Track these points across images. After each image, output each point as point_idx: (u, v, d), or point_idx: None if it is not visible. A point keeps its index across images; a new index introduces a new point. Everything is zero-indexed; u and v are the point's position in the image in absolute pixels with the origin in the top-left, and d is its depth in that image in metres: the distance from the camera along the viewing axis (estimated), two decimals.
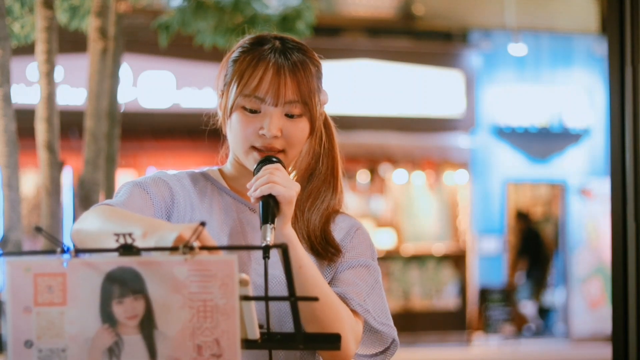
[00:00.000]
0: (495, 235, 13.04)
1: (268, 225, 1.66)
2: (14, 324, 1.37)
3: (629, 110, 2.85)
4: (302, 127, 1.81)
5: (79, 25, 4.30)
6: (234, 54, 1.84)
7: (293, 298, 1.46)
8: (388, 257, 12.09)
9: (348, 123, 11.26)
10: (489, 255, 12.98)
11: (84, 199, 3.82)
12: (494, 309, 12.66)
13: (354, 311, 1.80)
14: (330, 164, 1.93)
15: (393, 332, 1.86)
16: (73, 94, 10.56)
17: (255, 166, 1.78)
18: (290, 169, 1.92)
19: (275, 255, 1.76)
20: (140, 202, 1.77)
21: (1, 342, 1.41)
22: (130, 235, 1.40)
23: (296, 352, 1.81)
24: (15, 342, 1.37)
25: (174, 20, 4.94)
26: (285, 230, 1.71)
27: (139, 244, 1.46)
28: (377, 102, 12.38)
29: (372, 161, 12.54)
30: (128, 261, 1.36)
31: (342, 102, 11.87)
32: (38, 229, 1.44)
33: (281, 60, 1.78)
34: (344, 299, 1.79)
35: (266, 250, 1.59)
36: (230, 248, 1.69)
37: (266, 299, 1.60)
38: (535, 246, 13.45)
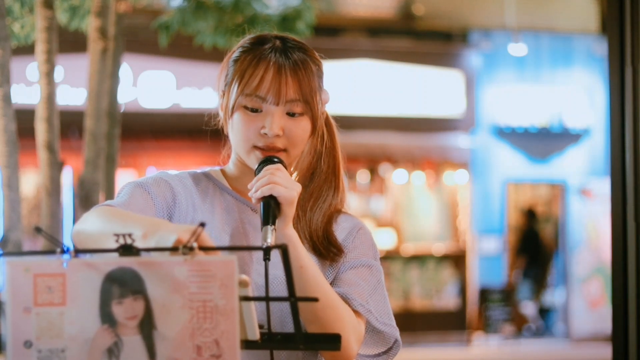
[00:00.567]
0: (495, 235, 13.04)
1: (268, 226, 1.66)
2: (14, 324, 1.37)
3: (629, 110, 2.85)
4: (303, 126, 1.81)
5: (79, 25, 4.31)
6: (235, 53, 1.84)
7: (293, 298, 1.46)
8: (388, 257, 12.09)
9: (348, 123, 11.21)
10: (489, 255, 12.98)
11: (84, 199, 3.82)
12: (494, 309, 12.66)
13: (356, 311, 1.79)
14: (332, 163, 1.93)
15: (395, 332, 1.86)
16: (73, 94, 10.56)
17: (257, 166, 1.78)
18: (292, 168, 1.92)
19: (276, 255, 1.76)
20: (142, 203, 1.77)
21: (1, 342, 1.41)
22: (130, 235, 1.40)
23: (298, 353, 1.81)
24: (14, 343, 1.36)
25: (174, 20, 4.94)
26: (287, 230, 1.70)
27: (139, 244, 1.46)
28: (377, 102, 12.38)
29: (372, 161, 12.54)
30: (128, 261, 1.36)
31: (342, 102, 11.87)
32: (38, 229, 1.44)
33: (282, 59, 1.79)
34: (346, 299, 1.79)
35: (266, 251, 1.59)
36: (230, 249, 1.69)
37: (267, 299, 1.60)
38: (534, 246, 13.45)
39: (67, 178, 10.35)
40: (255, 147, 1.79)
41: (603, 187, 12.40)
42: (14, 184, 3.09)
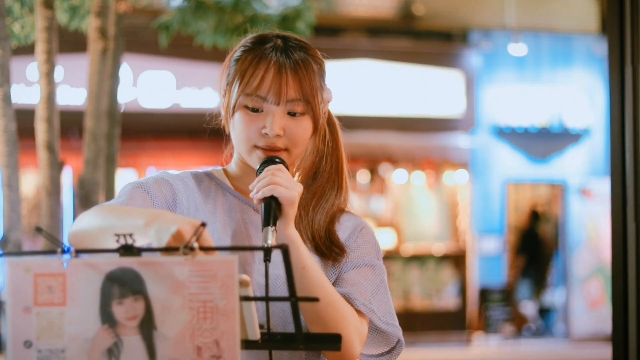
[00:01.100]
0: (495, 235, 13.04)
1: (269, 227, 1.65)
2: (14, 324, 1.37)
3: (629, 110, 2.85)
4: (305, 125, 1.81)
5: (79, 25, 4.31)
6: (236, 53, 1.84)
7: (293, 298, 1.46)
8: (388, 257, 12.08)
9: (348, 123, 11.21)
10: (489, 255, 12.98)
11: (84, 199, 3.82)
12: (494, 309, 12.66)
13: (358, 311, 1.79)
14: (335, 162, 1.92)
15: (398, 332, 1.86)
16: (73, 94, 10.56)
17: (258, 166, 1.78)
18: (294, 168, 1.92)
19: (278, 255, 1.76)
20: (141, 203, 1.76)
21: (1, 342, 1.41)
22: (130, 235, 1.40)
23: (301, 353, 1.81)
24: (14, 342, 1.36)
25: (174, 20, 4.94)
26: (288, 231, 1.70)
27: (140, 234, 1.45)
28: (377, 102, 12.38)
29: (372, 161, 12.54)
30: (128, 262, 1.36)
31: (342, 102, 11.87)
32: (38, 229, 1.44)
33: (282, 58, 1.78)
34: (348, 299, 1.79)
35: (267, 252, 1.59)
36: (231, 249, 1.69)
37: (267, 299, 1.60)
38: (534, 245, 13.45)
39: (67, 178, 10.35)
40: (256, 147, 1.79)
41: (603, 187, 12.40)
42: (14, 184, 3.09)
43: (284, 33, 1.87)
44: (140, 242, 1.43)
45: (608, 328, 11.06)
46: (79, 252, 1.39)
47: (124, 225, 1.51)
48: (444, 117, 12.70)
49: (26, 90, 10.35)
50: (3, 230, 3.11)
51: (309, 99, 1.79)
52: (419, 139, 12.53)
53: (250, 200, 1.84)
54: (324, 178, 1.91)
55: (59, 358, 1.36)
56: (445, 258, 12.72)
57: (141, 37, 9.48)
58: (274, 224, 1.66)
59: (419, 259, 12.60)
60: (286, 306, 1.77)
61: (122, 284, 1.35)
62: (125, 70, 10.51)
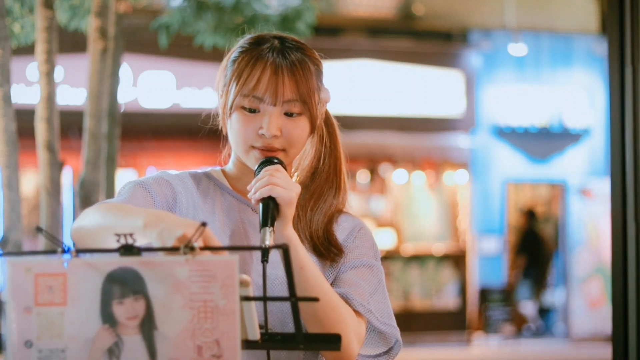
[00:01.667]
0: (495, 235, 13.04)
1: (267, 228, 1.65)
2: (14, 324, 1.37)
3: (629, 110, 2.85)
4: (302, 126, 1.81)
5: (79, 25, 4.31)
6: (234, 54, 1.84)
7: (293, 298, 1.46)
8: (388, 257, 12.09)
9: (348, 123, 11.22)
10: (489, 255, 12.98)
11: (84, 199, 3.82)
12: (494, 309, 12.66)
13: (356, 311, 1.79)
14: (333, 163, 1.92)
15: (396, 332, 1.86)
16: (73, 94, 10.56)
17: (256, 166, 1.78)
18: (293, 168, 1.92)
19: (276, 255, 1.76)
20: (142, 202, 1.77)
21: (1, 342, 1.41)
22: (131, 235, 1.40)
23: (299, 353, 1.81)
24: (15, 342, 1.36)
25: (174, 20, 4.95)
26: (286, 231, 1.70)
27: (139, 235, 1.45)
28: (377, 102, 12.38)
29: (372, 161, 12.54)
30: (129, 261, 1.36)
31: (342, 102, 11.87)
32: (38, 229, 1.44)
33: (279, 59, 1.78)
34: (346, 299, 1.79)
35: (264, 253, 1.59)
36: (231, 249, 1.69)
37: (265, 299, 1.60)
38: (534, 245, 13.45)
39: (67, 178, 10.34)
40: (254, 148, 1.79)
41: (603, 187, 12.40)
42: (14, 184, 3.09)
43: (281, 34, 1.87)
44: (139, 243, 1.43)
45: (608, 328, 11.06)
46: (79, 252, 1.39)
47: (123, 225, 1.51)
48: (444, 117, 12.70)
49: (26, 90, 10.35)
50: (3, 230, 3.11)
51: (306, 99, 1.79)
52: (419, 139, 12.53)
53: (248, 201, 1.84)
54: (322, 178, 1.91)
55: (59, 358, 1.36)
56: (445, 258, 12.71)
57: (141, 37, 9.47)
58: (272, 225, 1.66)
59: (419, 259, 12.60)
60: (284, 306, 1.77)
61: (123, 284, 1.35)
62: (125, 70, 10.51)
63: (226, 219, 1.85)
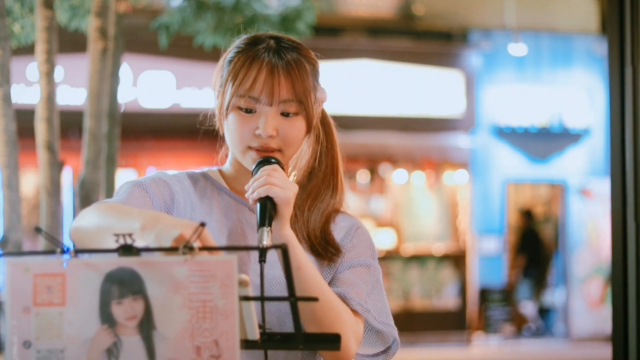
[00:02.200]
0: (495, 235, 13.04)
1: (264, 228, 1.65)
2: (13, 324, 1.37)
3: (629, 110, 2.85)
4: (298, 126, 1.81)
5: (79, 25, 4.31)
6: (230, 54, 1.84)
7: (293, 298, 1.46)
8: (388, 257, 12.09)
9: (348, 123, 11.25)
10: (489, 255, 12.98)
11: (84, 199, 3.81)
12: (494, 309, 12.66)
13: (354, 311, 1.79)
14: (330, 162, 1.92)
15: (394, 331, 1.86)
16: (73, 94, 10.56)
17: (253, 166, 1.78)
18: (290, 168, 1.92)
19: (274, 255, 1.76)
20: (140, 202, 1.77)
21: (0, 342, 1.41)
22: (130, 235, 1.40)
23: (297, 353, 1.81)
24: (14, 343, 1.36)
25: (174, 20, 4.95)
26: (284, 231, 1.70)
27: (137, 237, 1.45)
28: (377, 102, 12.38)
29: (372, 161, 12.54)
30: (128, 262, 1.36)
31: (342, 102, 11.87)
32: (38, 229, 1.44)
33: (275, 59, 1.78)
34: (344, 299, 1.79)
35: (262, 253, 1.59)
36: (229, 249, 1.69)
37: (262, 299, 1.60)
38: (534, 245, 13.45)
39: (67, 178, 10.34)
40: (250, 148, 1.79)
41: (603, 187, 12.40)
42: (14, 184, 3.09)
43: (277, 34, 1.86)
44: (137, 244, 1.43)
45: (608, 328, 11.06)
46: (78, 252, 1.39)
47: (121, 226, 1.51)
48: (444, 117, 12.70)
49: (26, 90, 10.35)
50: (3, 230, 3.11)
51: (302, 99, 1.79)
52: (419, 139, 12.53)
53: (246, 201, 1.84)
54: (320, 178, 1.91)
55: (58, 358, 1.36)
56: (445, 258, 12.71)
57: (141, 37, 9.48)
58: (270, 225, 1.66)
59: (419, 259, 12.59)
60: (282, 306, 1.77)
61: (122, 284, 1.35)
62: (125, 70, 10.51)
63: (224, 219, 1.85)
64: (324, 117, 1.93)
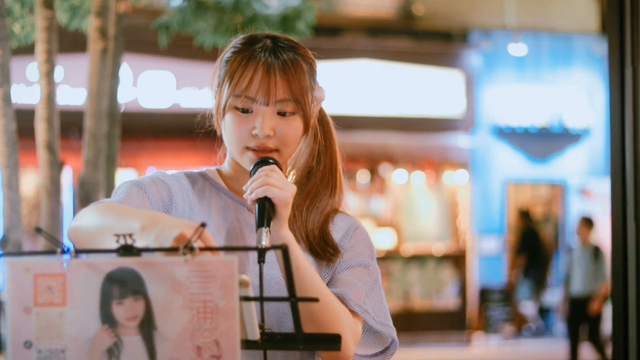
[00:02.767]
0: (495, 235, 13.04)
1: (263, 228, 1.65)
2: (14, 325, 1.37)
3: (629, 110, 2.85)
4: (295, 125, 1.80)
5: (79, 25, 4.30)
6: (227, 54, 1.84)
7: (293, 298, 1.46)
8: (388, 257, 12.09)
9: (348, 123, 11.26)
10: (489, 255, 12.98)
11: (84, 199, 3.81)
12: (494, 309, 12.66)
13: (352, 312, 1.79)
14: (329, 162, 1.92)
15: (392, 332, 1.86)
16: (73, 94, 10.56)
17: (251, 167, 1.77)
18: (289, 168, 1.92)
19: (272, 255, 1.76)
20: (138, 202, 1.76)
21: (1, 342, 1.41)
22: (130, 235, 1.40)
23: (295, 353, 1.81)
24: (14, 343, 1.36)
25: (174, 20, 4.94)
26: (282, 232, 1.70)
27: (137, 237, 1.45)
28: (377, 102, 12.38)
29: (372, 161, 12.54)
30: (128, 262, 1.36)
31: (342, 102, 11.88)
32: (38, 230, 1.44)
33: (271, 59, 1.78)
34: (342, 299, 1.78)
35: (261, 254, 1.59)
36: (229, 249, 1.69)
37: (262, 299, 1.60)
38: (534, 245, 13.45)
39: (67, 178, 10.35)
40: (248, 148, 1.79)
41: (603, 187, 12.40)
42: (14, 184, 3.09)
43: (274, 33, 1.86)
44: (139, 243, 1.42)
45: (608, 328, 11.05)
46: (78, 252, 1.39)
47: (121, 227, 1.51)
48: (444, 117, 12.71)
49: (26, 90, 10.35)
50: (3, 230, 3.11)
51: (299, 98, 1.78)
52: (419, 139, 12.53)
53: (244, 201, 1.83)
54: (318, 178, 1.90)
55: (59, 358, 1.36)
56: (445, 258, 12.71)
57: (141, 37, 9.48)
58: (268, 225, 1.66)
59: (419, 259, 12.59)
60: (281, 306, 1.77)
61: (122, 284, 1.35)
62: (125, 70, 10.51)
63: (222, 219, 1.84)
64: (322, 116, 1.93)
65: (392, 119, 12.45)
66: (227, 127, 1.81)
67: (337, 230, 1.88)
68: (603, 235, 12.48)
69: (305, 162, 1.91)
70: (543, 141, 13.26)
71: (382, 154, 12.36)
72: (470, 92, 12.78)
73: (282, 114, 1.78)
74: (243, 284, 1.41)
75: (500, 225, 13.13)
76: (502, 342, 12.41)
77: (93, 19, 3.95)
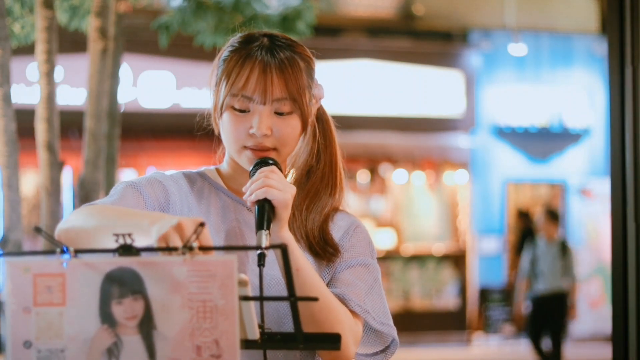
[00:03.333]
0: (495, 235, 13.03)
1: (263, 231, 1.64)
2: (13, 324, 1.37)
3: (629, 110, 2.85)
4: (293, 124, 1.79)
5: (79, 25, 4.30)
6: (224, 53, 1.83)
7: (293, 298, 1.45)
8: (388, 257, 12.08)
9: (348, 123, 11.26)
10: (489, 255, 12.98)
11: (84, 199, 3.81)
12: (494, 309, 12.66)
13: (353, 312, 1.78)
14: (329, 160, 1.91)
15: (393, 331, 1.85)
16: (73, 94, 10.56)
17: (250, 167, 1.77)
18: (288, 167, 1.91)
19: (272, 255, 1.75)
20: (133, 203, 1.76)
21: (0, 342, 1.41)
22: (129, 235, 1.40)
23: (296, 353, 1.80)
24: (14, 343, 1.36)
25: (174, 21, 4.94)
26: (282, 233, 1.69)
27: (144, 234, 1.45)
28: (377, 102, 12.38)
29: (372, 161, 12.54)
30: (127, 261, 1.36)
31: (342, 102, 11.87)
32: (38, 229, 1.44)
33: (267, 57, 1.77)
34: (342, 299, 1.78)
35: (260, 257, 1.59)
36: (229, 249, 1.69)
37: (261, 298, 1.60)
38: None
39: (67, 178, 10.34)
40: (246, 147, 1.78)
41: (603, 187, 12.40)
42: (14, 184, 3.09)
43: (272, 32, 1.85)
44: (142, 242, 1.43)
45: (608, 328, 11.05)
46: (78, 252, 1.39)
47: (127, 224, 1.51)
48: (444, 117, 12.71)
49: (26, 90, 10.35)
50: (3, 230, 3.11)
51: (296, 97, 1.77)
52: (419, 139, 12.53)
53: (243, 200, 1.83)
54: (318, 177, 1.89)
55: (58, 358, 1.36)
56: (445, 258, 12.71)
57: (141, 37, 9.48)
58: (268, 228, 1.65)
59: (419, 259, 12.59)
60: (280, 306, 1.76)
61: (122, 284, 1.35)
62: (125, 70, 10.51)
63: (221, 219, 1.84)
64: (322, 114, 1.91)
65: (392, 119, 12.45)
66: (225, 127, 1.80)
67: (337, 229, 1.88)
68: (603, 235, 12.49)
69: (305, 161, 1.90)
70: (543, 141, 13.25)
71: (382, 154, 12.36)
72: (470, 92, 12.78)
73: (279, 113, 1.77)
74: (242, 284, 1.41)
75: (500, 226, 13.13)
76: (502, 342, 12.40)
77: (93, 19, 3.95)
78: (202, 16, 4.91)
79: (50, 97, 3.57)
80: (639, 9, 2.83)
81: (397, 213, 12.79)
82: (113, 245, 1.39)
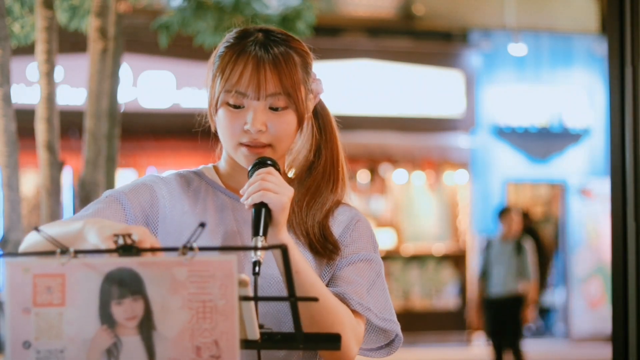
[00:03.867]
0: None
1: (258, 237, 1.63)
2: (13, 325, 1.36)
3: (629, 110, 2.84)
4: (288, 120, 1.77)
5: (79, 25, 4.30)
6: (220, 49, 1.82)
7: (293, 298, 1.45)
8: (388, 257, 12.08)
9: (348, 123, 11.23)
10: None
11: (84, 199, 3.81)
12: None
13: (354, 311, 1.76)
14: (330, 156, 1.89)
15: (396, 327, 1.83)
16: (73, 94, 10.56)
17: (247, 165, 1.76)
18: (287, 164, 1.90)
19: (271, 255, 1.74)
20: (109, 214, 1.74)
21: (0, 342, 1.41)
22: (129, 235, 1.40)
23: (298, 353, 1.80)
24: (13, 343, 1.36)
25: (174, 21, 4.94)
26: (280, 236, 1.67)
27: (81, 238, 1.49)
28: (377, 102, 12.38)
29: (372, 161, 12.54)
30: (127, 262, 1.36)
31: (342, 102, 11.87)
32: (38, 230, 1.44)
33: (261, 52, 1.75)
34: (343, 299, 1.76)
35: (255, 264, 1.58)
36: (227, 249, 1.69)
37: (262, 298, 1.59)
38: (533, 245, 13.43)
39: (67, 178, 10.34)
40: (241, 144, 1.76)
41: (603, 187, 12.40)
42: (14, 184, 3.09)
43: (267, 26, 1.83)
44: (83, 247, 1.45)
45: (608, 328, 11.06)
46: (78, 252, 1.39)
47: (67, 231, 1.55)
48: (444, 117, 12.70)
49: (26, 90, 10.35)
50: (3, 230, 3.11)
51: (290, 92, 1.76)
52: (419, 139, 12.53)
53: (241, 197, 1.82)
54: (319, 172, 1.87)
55: (57, 358, 1.36)
56: (445, 258, 12.71)
57: (141, 37, 9.48)
58: (265, 233, 1.64)
59: (419, 259, 12.59)
60: (280, 306, 1.76)
61: (121, 285, 1.35)
62: (125, 70, 10.51)
63: (219, 218, 1.82)
64: (321, 109, 1.90)
65: (392, 119, 12.45)
66: (220, 123, 1.79)
67: (337, 224, 1.86)
68: (603, 235, 12.49)
69: (305, 157, 1.89)
70: (543, 141, 13.25)
71: (382, 154, 12.36)
72: (470, 92, 12.78)
73: (274, 108, 1.76)
74: (242, 284, 1.41)
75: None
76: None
77: (93, 19, 3.95)
78: (202, 16, 4.91)
79: (50, 97, 3.57)
80: (639, 9, 2.83)
81: (397, 213, 12.79)
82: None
